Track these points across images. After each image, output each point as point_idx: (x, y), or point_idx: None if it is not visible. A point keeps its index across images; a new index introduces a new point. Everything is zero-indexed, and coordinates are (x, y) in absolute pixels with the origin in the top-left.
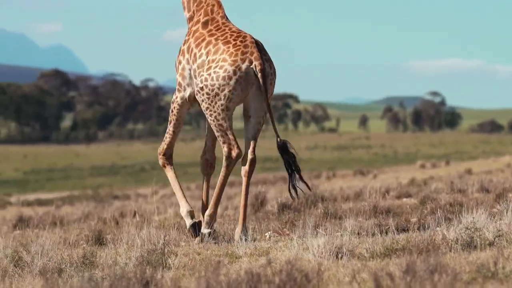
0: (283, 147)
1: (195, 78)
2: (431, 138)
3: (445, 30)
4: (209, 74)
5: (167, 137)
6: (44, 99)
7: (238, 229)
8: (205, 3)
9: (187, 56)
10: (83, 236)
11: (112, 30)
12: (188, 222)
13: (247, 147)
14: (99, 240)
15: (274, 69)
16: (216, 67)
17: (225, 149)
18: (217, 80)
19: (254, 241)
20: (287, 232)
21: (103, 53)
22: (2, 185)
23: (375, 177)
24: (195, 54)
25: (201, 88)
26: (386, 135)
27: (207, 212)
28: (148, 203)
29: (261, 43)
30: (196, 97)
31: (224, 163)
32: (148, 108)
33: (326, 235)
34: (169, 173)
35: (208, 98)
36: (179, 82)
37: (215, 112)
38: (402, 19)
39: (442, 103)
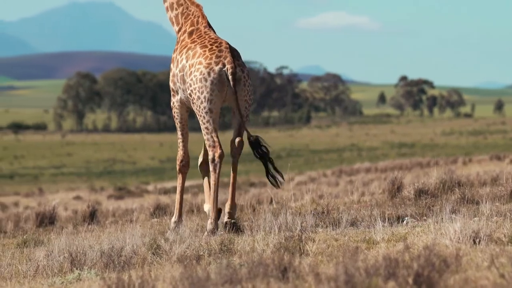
0: (255, 143)
1: (178, 82)
2: None
3: None
4: (191, 79)
5: (180, 143)
6: None
7: (227, 205)
8: (192, 15)
9: (175, 63)
10: (220, 224)
11: (246, 19)
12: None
13: (235, 134)
14: (236, 227)
15: (247, 73)
16: (194, 70)
17: (210, 153)
18: (196, 83)
19: (391, 226)
20: (424, 217)
21: (238, 42)
22: (139, 173)
23: None
24: (177, 60)
25: (190, 94)
26: None
27: (210, 221)
28: (284, 190)
29: (236, 50)
30: (188, 104)
31: (210, 167)
32: (283, 95)
33: (463, 220)
34: (178, 181)
35: (195, 103)
36: (172, 88)
37: (201, 115)
38: None
39: None
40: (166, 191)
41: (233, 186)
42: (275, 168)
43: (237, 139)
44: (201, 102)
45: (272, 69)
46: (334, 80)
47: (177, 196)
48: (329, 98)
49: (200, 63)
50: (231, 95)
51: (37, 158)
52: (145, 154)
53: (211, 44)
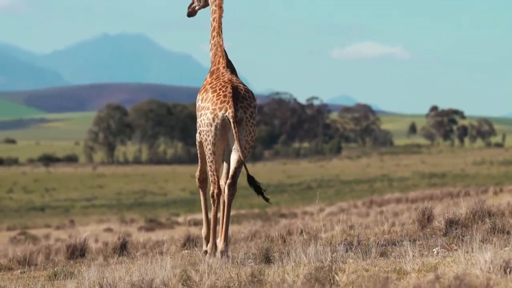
0: (250, 180)
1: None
2: None
3: None
4: (201, 121)
5: (206, 171)
6: None
7: (220, 243)
8: (217, 55)
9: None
10: (250, 255)
11: (277, 49)
12: (204, 247)
13: (227, 173)
14: (266, 258)
15: (251, 113)
16: (203, 114)
17: (211, 188)
18: (204, 126)
19: (422, 256)
20: (455, 248)
21: (268, 72)
22: (170, 205)
23: None
24: (197, 100)
25: (199, 133)
26: None
27: (209, 245)
28: (315, 221)
29: (243, 90)
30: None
31: (210, 201)
32: (314, 126)
33: (494, 250)
34: (202, 197)
35: (203, 142)
36: (198, 124)
37: (206, 154)
38: None
39: None
40: (196, 223)
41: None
42: (265, 198)
43: (228, 181)
44: (208, 144)
45: (302, 99)
46: (365, 111)
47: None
48: (359, 128)
49: (208, 108)
50: (232, 135)
51: (68, 190)
52: (176, 186)
53: (219, 89)
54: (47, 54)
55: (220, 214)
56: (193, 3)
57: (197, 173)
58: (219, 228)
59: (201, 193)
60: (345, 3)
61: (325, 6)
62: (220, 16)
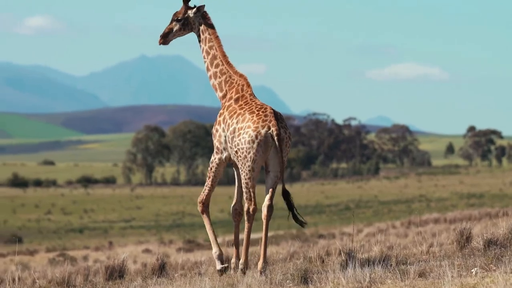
0: (287, 194)
1: (229, 143)
2: None
3: None
4: (240, 140)
5: (206, 190)
6: None
7: (260, 262)
8: (236, 83)
9: (223, 125)
10: (289, 276)
11: (314, 70)
12: (218, 266)
13: (266, 195)
14: (304, 279)
15: (289, 134)
16: (244, 133)
17: (246, 205)
18: (245, 144)
19: (461, 277)
20: (494, 268)
21: (305, 93)
22: None
23: None
24: (228, 124)
25: (236, 152)
26: None
27: (241, 261)
28: (353, 241)
29: (279, 114)
30: (233, 158)
31: (245, 217)
32: (351, 146)
33: None
34: (205, 219)
35: (240, 160)
36: (217, 146)
37: (244, 172)
38: None
39: None
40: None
41: (264, 246)
42: (297, 214)
43: (267, 203)
44: (247, 161)
45: (339, 120)
46: (402, 131)
47: (209, 232)
48: (397, 149)
49: (249, 127)
50: (274, 153)
51: (106, 211)
52: (214, 207)
53: (257, 110)
54: (85, 76)
55: (245, 230)
56: (169, 32)
57: (202, 197)
58: (241, 248)
59: (205, 217)
60: (381, 24)
61: (361, 26)
62: (220, 45)
